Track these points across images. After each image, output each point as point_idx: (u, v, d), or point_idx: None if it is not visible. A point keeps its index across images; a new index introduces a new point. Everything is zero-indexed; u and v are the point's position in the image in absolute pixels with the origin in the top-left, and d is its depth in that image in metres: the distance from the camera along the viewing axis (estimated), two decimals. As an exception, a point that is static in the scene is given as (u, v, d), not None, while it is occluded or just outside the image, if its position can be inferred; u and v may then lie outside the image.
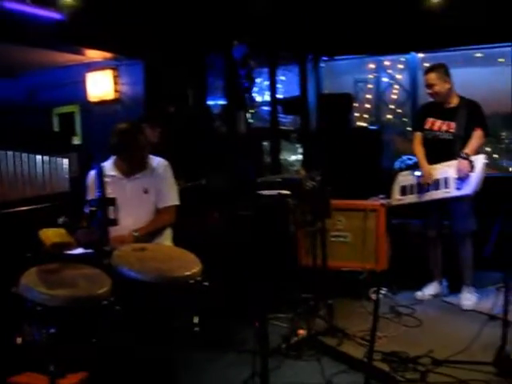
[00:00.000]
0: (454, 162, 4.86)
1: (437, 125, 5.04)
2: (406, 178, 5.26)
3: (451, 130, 4.95)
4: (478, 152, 4.87)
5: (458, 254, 5.00)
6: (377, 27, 6.40)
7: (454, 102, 5.03)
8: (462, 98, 5.04)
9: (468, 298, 4.93)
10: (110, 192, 3.60)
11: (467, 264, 4.98)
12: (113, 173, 3.86)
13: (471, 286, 5.01)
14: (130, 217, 3.72)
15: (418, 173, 5.11)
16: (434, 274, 5.29)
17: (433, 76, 4.96)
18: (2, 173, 3.77)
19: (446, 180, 4.88)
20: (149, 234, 3.72)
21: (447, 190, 4.86)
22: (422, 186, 5.03)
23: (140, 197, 3.85)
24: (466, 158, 4.76)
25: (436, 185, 4.93)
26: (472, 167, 4.74)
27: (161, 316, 2.70)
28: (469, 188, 4.74)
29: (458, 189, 4.79)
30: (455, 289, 5.17)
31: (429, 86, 5.00)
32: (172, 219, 3.94)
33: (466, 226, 4.91)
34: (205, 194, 5.21)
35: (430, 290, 5.27)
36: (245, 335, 4.41)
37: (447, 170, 4.89)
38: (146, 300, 2.66)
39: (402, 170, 5.43)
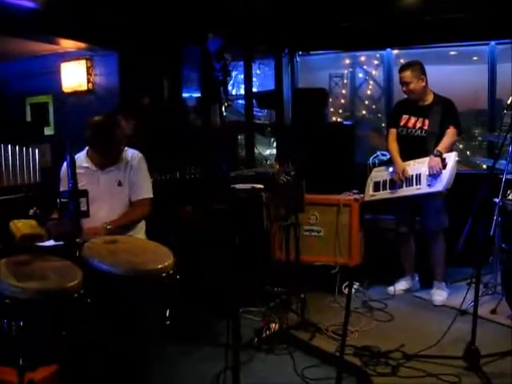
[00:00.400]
0: (426, 159, 4.89)
1: (411, 122, 5.07)
2: (379, 174, 5.28)
3: (425, 127, 4.99)
4: (450, 150, 4.91)
5: (430, 250, 5.04)
6: (353, 23, 6.42)
7: (429, 99, 5.05)
8: (436, 96, 5.07)
9: (439, 294, 4.98)
10: (84, 184, 3.59)
11: (439, 260, 5.03)
12: (86, 164, 3.82)
13: (442, 282, 5.07)
14: (103, 209, 3.69)
15: (391, 169, 5.14)
16: (405, 270, 5.34)
17: (408, 74, 4.97)
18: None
19: (418, 177, 4.91)
20: (122, 227, 3.67)
21: (419, 187, 4.89)
22: (395, 182, 5.06)
23: (113, 189, 3.81)
24: (439, 155, 4.80)
25: (408, 181, 4.96)
26: (444, 164, 4.77)
27: (132, 309, 2.67)
28: (440, 185, 4.77)
29: (430, 185, 4.83)
30: (426, 284, 5.23)
31: (404, 83, 5.01)
32: (146, 212, 3.90)
33: (438, 222, 4.95)
34: (178, 187, 5.18)
35: (402, 285, 5.32)
36: (219, 329, 4.41)
37: (420, 166, 4.92)
38: (118, 293, 2.63)
39: (375, 165, 5.45)
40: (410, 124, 5.07)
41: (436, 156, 4.80)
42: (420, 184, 4.89)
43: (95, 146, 3.79)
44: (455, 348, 3.79)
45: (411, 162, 5.00)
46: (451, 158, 4.80)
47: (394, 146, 5.13)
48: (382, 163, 5.40)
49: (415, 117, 5.05)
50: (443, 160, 4.78)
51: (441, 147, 4.85)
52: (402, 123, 5.11)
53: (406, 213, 5.19)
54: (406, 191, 4.99)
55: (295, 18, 6.46)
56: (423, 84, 4.99)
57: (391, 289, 5.27)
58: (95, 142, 3.77)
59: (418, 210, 5.10)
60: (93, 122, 3.78)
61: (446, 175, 4.76)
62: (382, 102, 7.24)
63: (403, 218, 5.22)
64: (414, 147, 5.00)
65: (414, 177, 4.93)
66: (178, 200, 5.07)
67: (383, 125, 7.23)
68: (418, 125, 5.03)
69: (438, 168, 4.76)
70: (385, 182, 5.18)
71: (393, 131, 5.18)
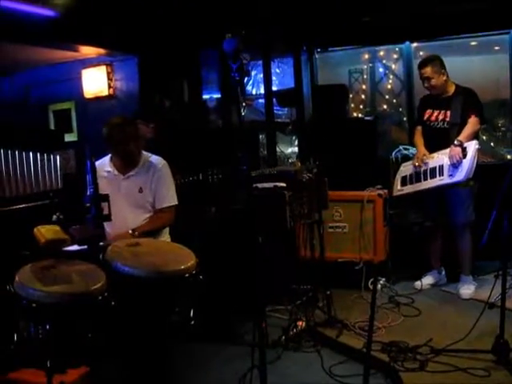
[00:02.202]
0: (448, 150, 4.86)
1: (434, 115, 5.06)
2: (406, 169, 5.25)
3: (447, 119, 4.96)
4: (473, 139, 4.85)
5: (457, 244, 5.01)
6: (371, 17, 6.38)
7: (451, 91, 5.02)
8: (457, 87, 5.03)
9: (466, 288, 4.94)
10: (106, 188, 3.62)
11: (466, 254, 4.98)
12: (109, 168, 3.85)
13: (469, 276, 5.02)
14: (124, 215, 3.71)
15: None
16: (432, 264, 5.30)
17: (428, 70, 4.93)
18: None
19: (440, 168, 4.87)
20: (146, 234, 3.68)
21: (441, 178, 4.86)
22: (419, 175, 5.02)
23: (134, 196, 3.83)
24: (459, 144, 4.75)
25: (432, 173, 4.93)
26: (464, 154, 4.72)
27: (157, 310, 2.70)
28: (460, 174, 4.72)
29: (451, 176, 4.79)
30: (453, 278, 5.18)
31: (425, 79, 4.99)
32: (171, 220, 3.91)
33: (464, 217, 4.91)
34: (201, 189, 5.20)
35: (429, 279, 5.28)
36: (245, 328, 4.42)
37: (442, 157, 4.89)
38: (142, 295, 2.66)
39: (398, 160, 5.40)
40: (433, 117, 5.06)
41: (456, 146, 4.75)
42: (442, 175, 4.85)
43: (110, 146, 3.82)
44: (484, 342, 3.75)
45: (434, 155, 4.97)
46: (471, 147, 4.74)
47: (418, 139, 5.14)
48: (406, 158, 5.32)
49: (437, 110, 5.03)
50: (464, 149, 4.73)
51: (462, 136, 4.80)
52: (425, 118, 5.10)
53: (432, 207, 5.16)
54: (429, 183, 4.96)
55: (313, 14, 6.44)
56: (444, 78, 4.96)
57: (418, 283, 5.24)
58: (109, 141, 3.80)
59: (444, 204, 5.05)
60: (107, 121, 3.82)
61: (467, 164, 4.69)
62: (402, 96, 7.17)
63: (429, 212, 5.18)
64: (438, 139, 4.97)
65: (437, 168, 4.89)
66: (201, 201, 5.09)
67: (405, 119, 7.17)
68: (441, 117, 5.00)
69: (458, 157, 4.71)
70: (411, 175, 5.14)
71: (418, 128, 5.19)
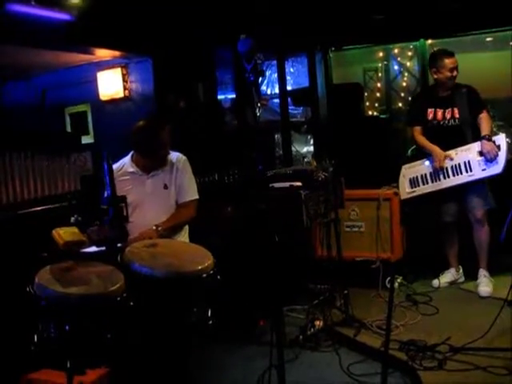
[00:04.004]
0: (469, 146, 4.86)
1: (439, 114, 5.04)
2: (412, 170, 5.22)
3: (456, 116, 4.97)
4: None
5: (475, 238, 4.98)
6: (384, 15, 6.36)
7: (450, 88, 5.04)
8: (455, 84, 5.04)
9: (485, 285, 4.90)
10: (130, 188, 3.67)
11: (483, 249, 4.95)
12: (132, 169, 3.87)
13: (487, 272, 4.98)
14: (151, 212, 3.73)
15: (427, 162, 5.08)
16: (449, 262, 5.27)
17: (456, 60, 4.96)
18: (16, 174, 3.80)
19: (467, 164, 4.86)
20: (170, 229, 3.71)
21: (471, 173, 4.84)
22: (438, 174, 4.99)
23: (160, 192, 3.85)
24: (490, 139, 4.75)
25: (456, 170, 4.90)
26: (497, 146, 4.74)
27: (175, 310, 2.71)
28: (498, 167, 4.74)
29: (485, 170, 4.78)
30: (471, 276, 5.15)
31: (455, 68, 4.95)
32: (193, 214, 3.93)
33: (484, 204, 4.91)
34: (217, 189, 5.21)
35: (447, 277, 5.26)
36: (263, 327, 4.45)
37: (466, 154, 4.88)
38: (159, 295, 2.67)
39: (413, 158, 5.35)
40: (439, 116, 5.04)
41: (488, 140, 4.75)
42: (472, 170, 4.83)
43: (143, 151, 3.83)
44: (503, 339, 3.73)
45: (452, 152, 4.94)
46: (502, 140, 4.77)
47: (423, 139, 5.10)
48: (420, 155, 5.27)
49: (441, 108, 5.02)
50: (494, 143, 4.75)
51: (486, 131, 4.81)
52: (429, 117, 5.07)
53: (451, 202, 5.10)
54: (454, 180, 4.93)
55: (326, 13, 6.43)
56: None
57: (436, 282, 5.21)
58: (142, 147, 3.82)
59: (462, 199, 5.03)
60: (138, 126, 3.83)
61: (503, 156, 4.72)
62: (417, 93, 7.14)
63: (448, 207, 5.13)
64: (451, 137, 4.96)
65: (463, 164, 4.87)
66: (218, 201, 5.10)
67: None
68: (448, 115, 5.00)
69: (495, 151, 4.71)
70: (423, 175, 5.11)
71: (418, 128, 5.15)
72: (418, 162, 5.19)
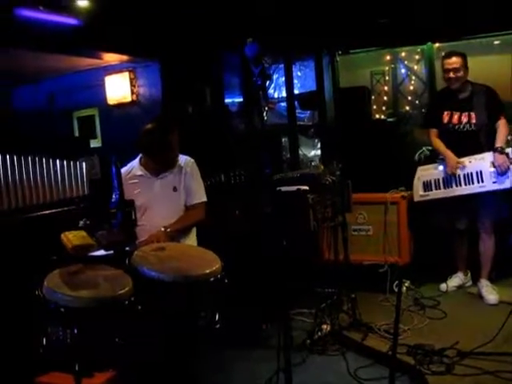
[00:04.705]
0: (484, 155, 4.78)
1: (455, 117, 4.94)
2: (428, 173, 5.15)
3: (473, 121, 4.86)
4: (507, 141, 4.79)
5: (480, 246, 4.95)
6: (391, 19, 6.36)
7: (468, 90, 4.93)
8: (473, 85, 4.94)
9: (490, 293, 4.87)
10: (139, 191, 3.68)
11: (486, 259, 4.93)
12: (140, 172, 3.89)
13: (488, 282, 4.96)
14: (160, 215, 3.76)
15: (441, 167, 5.02)
16: (458, 266, 5.25)
17: (459, 60, 4.83)
18: (24, 178, 3.82)
19: (479, 174, 4.79)
20: (179, 231, 3.73)
21: (482, 184, 4.78)
22: (450, 181, 4.93)
23: (169, 195, 3.87)
24: (503, 151, 4.67)
25: (468, 179, 4.84)
26: (511, 160, 4.65)
27: (182, 314, 2.71)
28: (508, 181, 4.66)
29: (495, 182, 4.71)
30: (479, 280, 5.12)
31: (452, 70, 4.83)
32: (202, 216, 3.95)
33: (494, 215, 4.86)
34: (224, 192, 5.22)
35: (455, 281, 5.24)
36: (270, 331, 4.44)
37: (480, 163, 4.80)
38: (167, 299, 2.68)
39: (421, 161, 5.35)
40: (455, 120, 4.93)
41: (501, 153, 4.67)
42: (483, 181, 4.77)
43: (152, 154, 3.85)
44: (511, 344, 3.71)
45: (465, 160, 4.87)
46: None
47: (439, 142, 5.03)
48: (427, 159, 5.26)
49: (458, 111, 4.92)
50: (506, 155, 4.66)
51: (500, 142, 4.72)
52: (445, 120, 4.98)
53: (465, 210, 5.00)
54: (466, 189, 4.86)
55: (333, 17, 6.44)
56: (467, 75, 4.89)
57: (444, 286, 5.20)
58: (151, 150, 3.83)
59: (473, 208, 4.96)
60: (147, 129, 3.84)
61: None
62: (425, 96, 7.12)
63: (461, 215, 5.03)
64: (466, 143, 4.88)
65: (475, 174, 4.80)
66: (225, 205, 5.11)
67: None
68: (464, 119, 4.89)
69: (507, 165, 4.63)
70: (437, 180, 5.06)
71: (434, 131, 5.07)
72: (433, 165, 5.12)
